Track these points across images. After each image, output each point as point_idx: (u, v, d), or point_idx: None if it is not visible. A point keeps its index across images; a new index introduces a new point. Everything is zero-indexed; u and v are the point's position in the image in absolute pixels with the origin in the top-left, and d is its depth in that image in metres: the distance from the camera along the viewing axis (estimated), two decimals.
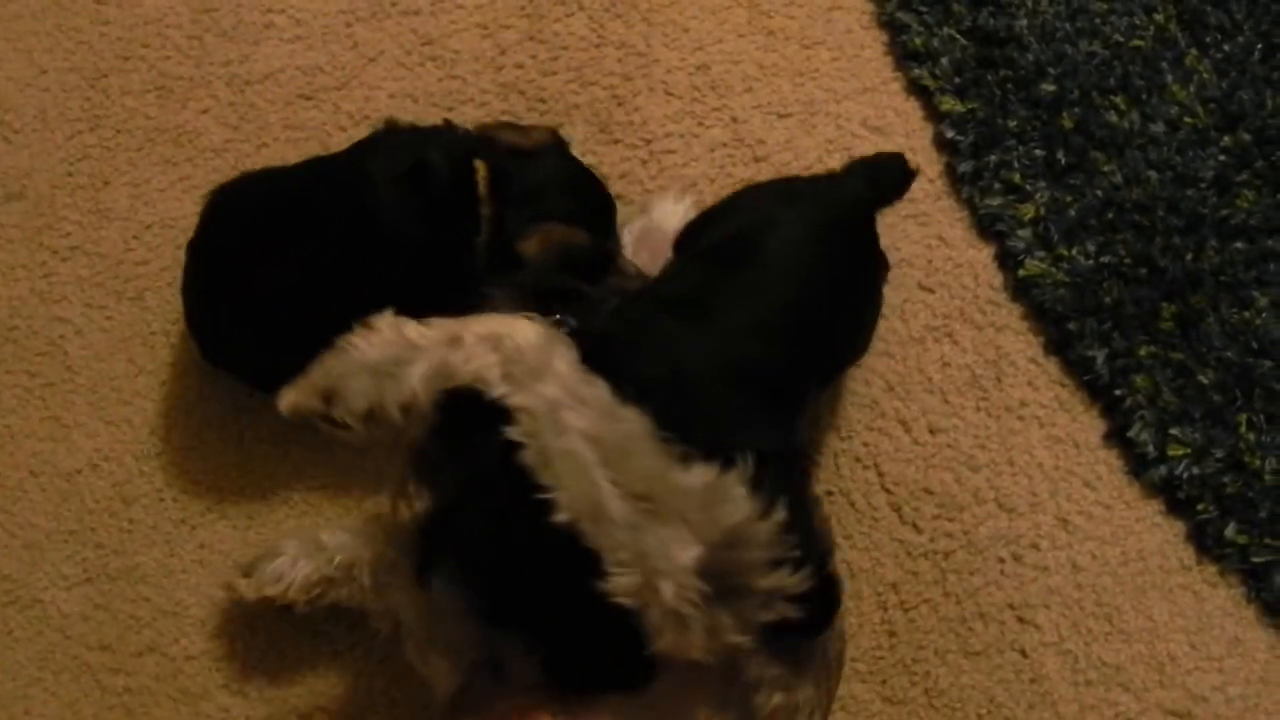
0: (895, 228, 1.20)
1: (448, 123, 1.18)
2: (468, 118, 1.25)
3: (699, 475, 0.81)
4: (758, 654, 0.86)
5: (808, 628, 0.87)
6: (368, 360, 0.86)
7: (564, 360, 0.84)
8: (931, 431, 1.14)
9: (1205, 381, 1.13)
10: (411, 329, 0.86)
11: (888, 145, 1.22)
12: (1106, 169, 1.20)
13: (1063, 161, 1.20)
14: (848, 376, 1.16)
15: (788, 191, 1.09)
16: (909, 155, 1.21)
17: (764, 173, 1.22)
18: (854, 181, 1.09)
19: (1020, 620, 1.10)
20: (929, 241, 1.19)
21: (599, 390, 0.83)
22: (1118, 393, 1.14)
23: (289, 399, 0.91)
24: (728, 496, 0.81)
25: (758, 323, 0.94)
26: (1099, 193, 1.19)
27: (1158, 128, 1.20)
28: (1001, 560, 1.11)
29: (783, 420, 0.99)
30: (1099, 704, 1.08)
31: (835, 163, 1.22)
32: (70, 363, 1.24)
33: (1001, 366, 1.16)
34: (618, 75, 1.27)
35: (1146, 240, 1.17)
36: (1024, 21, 1.24)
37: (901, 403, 1.15)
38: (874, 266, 1.07)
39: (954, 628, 1.10)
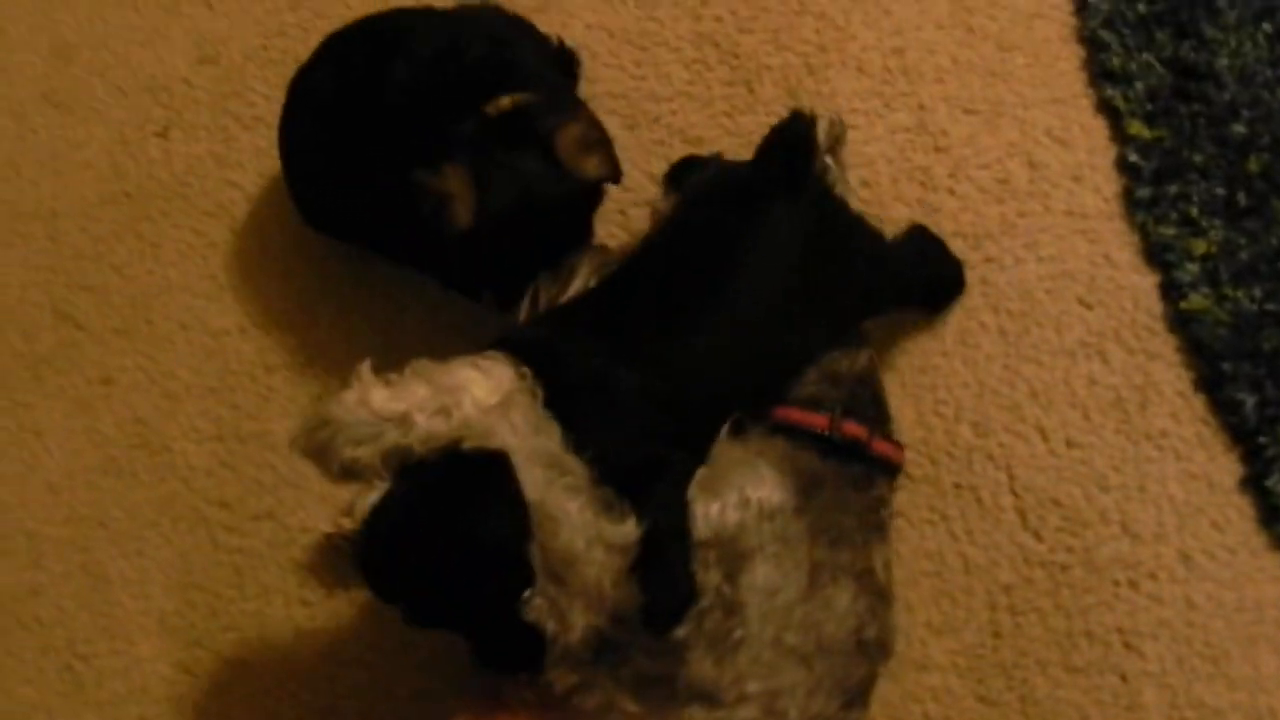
0: (1064, 240, 1.20)
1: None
2: (660, 60, 1.26)
3: (624, 533, 0.85)
4: None
5: (649, 624, 0.88)
6: (345, 424, 0.87)
7: (519, 412, 0.87)
8: (1069, 445, 1.14)
9: None
10: (377, 397, 0.87)
11: (1069, 158, 1.22)
12: None
13: (1243, 203, 1.19)
14: (993, 377, 1.16)
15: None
16: (1089, 173, 1.22)
17: (941, 163, 1.22)
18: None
19: (1126, 646, 1.10)
20: (1095, 259, 1.19)
21: (549, 443, 0.87)
22: (1261, 440, 1.13)
23: (291, 436, 0.92)
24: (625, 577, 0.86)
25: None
26: (1274, 240, 1.18)
27: None
28: (1117, 583, 1.11)
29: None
30: None
31: (1015, 166, 1.22)
32: (236, 227, 1.27)
33: (1148, 394, 1.15)
34: (813, 45, 1.27)
35: None
36: (1225, 60, 1.24)
37: (1043, 411, 1.15)
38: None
39: (1059, 640, 1.10)
